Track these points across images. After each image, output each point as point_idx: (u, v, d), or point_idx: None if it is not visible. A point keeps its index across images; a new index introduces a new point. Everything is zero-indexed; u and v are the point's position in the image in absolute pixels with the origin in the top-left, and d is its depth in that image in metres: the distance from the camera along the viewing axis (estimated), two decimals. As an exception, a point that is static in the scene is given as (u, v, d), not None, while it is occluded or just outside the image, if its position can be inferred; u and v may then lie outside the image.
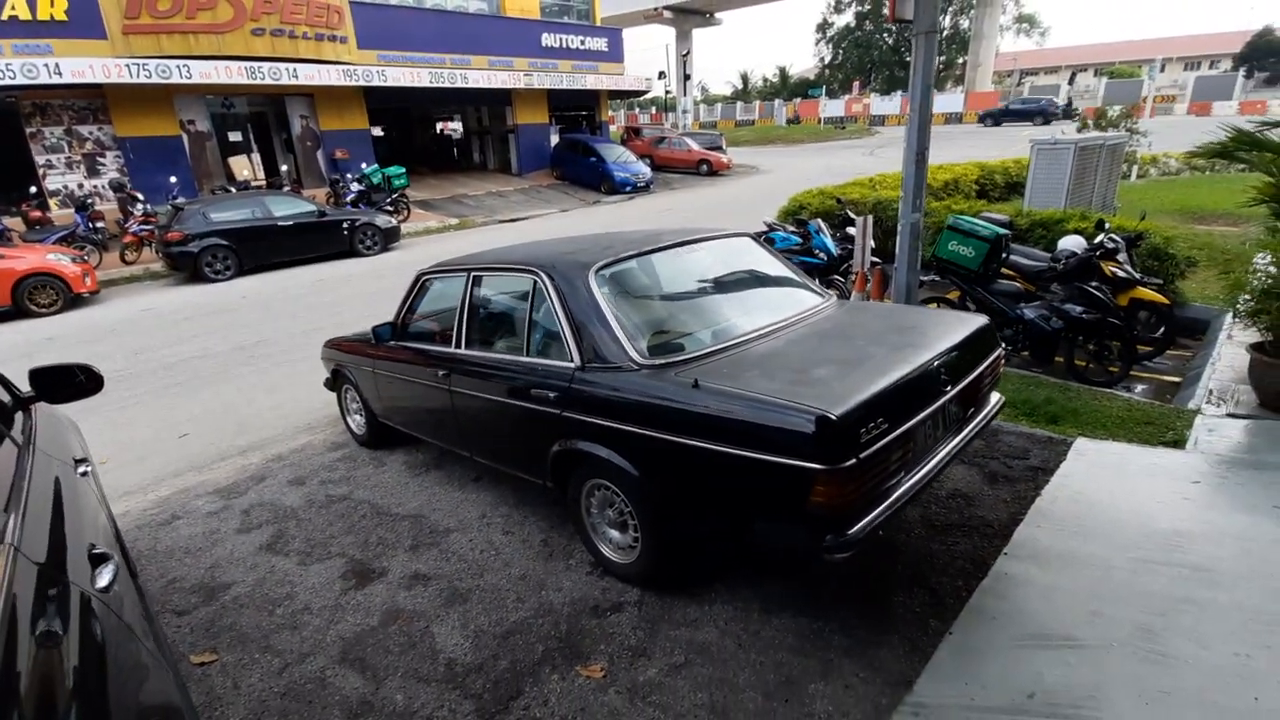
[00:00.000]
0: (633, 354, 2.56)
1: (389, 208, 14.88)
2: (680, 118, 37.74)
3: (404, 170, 16.10)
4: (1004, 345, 3.46)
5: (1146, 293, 5.24)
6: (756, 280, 3.34)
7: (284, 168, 17.68)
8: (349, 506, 3.83)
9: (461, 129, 25.82)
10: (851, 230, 6.78)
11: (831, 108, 43.40)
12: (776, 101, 48.86)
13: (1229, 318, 5.74)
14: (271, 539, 3.57)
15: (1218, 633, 2.15)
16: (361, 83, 17.16)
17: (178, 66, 14.13)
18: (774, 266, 3.43)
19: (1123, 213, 7.83)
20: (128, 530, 3.68)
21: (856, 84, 50.31)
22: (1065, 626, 2.27)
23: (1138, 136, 12.96)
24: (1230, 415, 3.80)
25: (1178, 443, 3.64)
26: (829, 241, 6.77)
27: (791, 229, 7.52)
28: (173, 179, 14.61)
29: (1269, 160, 5.05)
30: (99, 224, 12.88)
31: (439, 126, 27.08)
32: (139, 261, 12.43)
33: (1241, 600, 2.28)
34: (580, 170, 21.00)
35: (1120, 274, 5.23)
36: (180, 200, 12.49)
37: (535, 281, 2.96)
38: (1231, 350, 4.84)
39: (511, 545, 3.27)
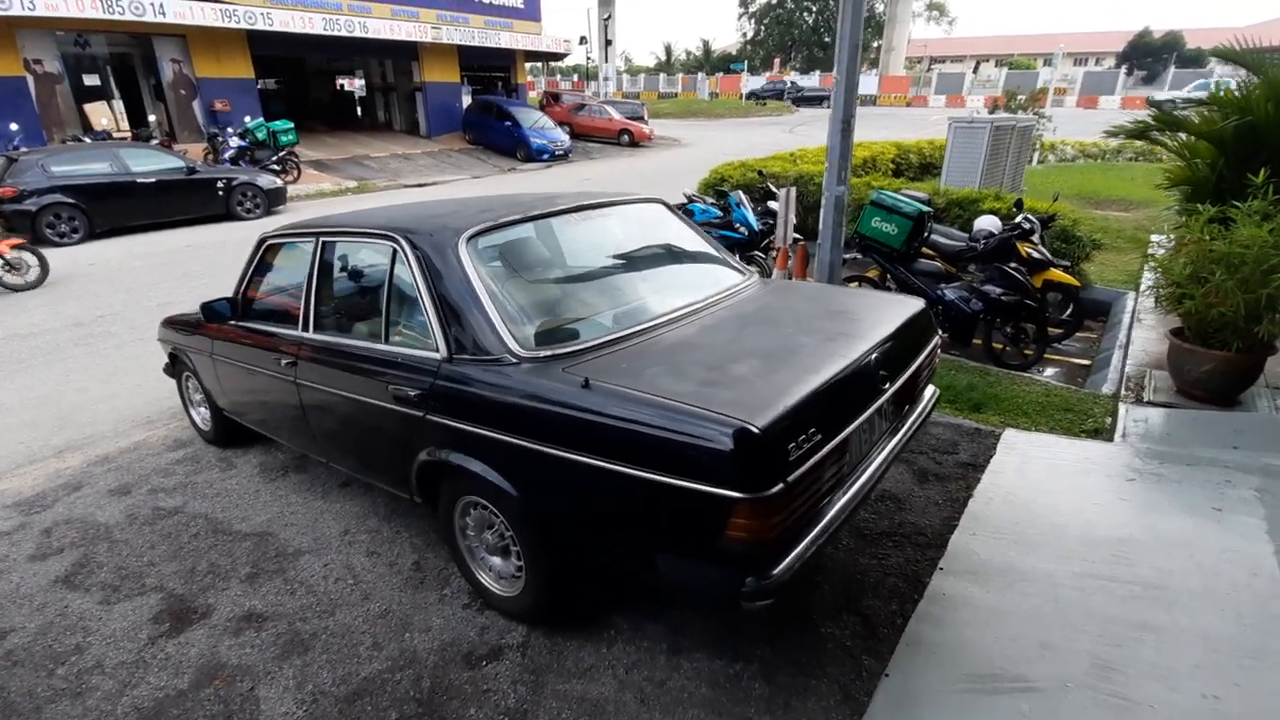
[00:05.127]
0: (511, 343, 2.04)
1: (274, 167, 13.43)
2: (602, 85, 36.53)
3: (292, 126, 14.54)
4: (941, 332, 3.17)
5: (1058, 274, 5.17)
6: (669, 255, 2.87)
7: (153, 118, 15.67)
8: (179, 523, 3.14)
9: (364, 85, 23.87)
10: (773, 204, 6.44)
11: (753, 84, 43.39)
12: (700, 75, 48.38)
13: (1131, 299, 5.82)
14: (72, 568, 2.85)
15: (1181, 668, 1.90)
16: (243, 25, 15.34)
17: (17, -6, 12.09)
18: (689, 239, 2.97)
19: (1029, 195, 7.91)
20: None
21: (777, 61, 50.61)
22: (1014, 663, 1.97)
23: (1044, 121, 13.38)
24: (1150, 403, 3.70)
25: (1098, 430, 3.51)
26: (750, 215, 6.40)
27: (712, 201, 7.15)
28: (14, 126, 12.61)
29: (1182, 145, 5.06)
30: (-88, 175, 10.86)
31: (339, 82, 24.91)
32: (-36, 220, 10.59)
33: (1201, 625, 2.05)
34: (494, 135, 19.81)
35: (1036, 255, 5.13)
36: (20, 150, 10.69)
37: (395, 250, 2.37)
38: (1142, 334, 4.82)
39: (376, 570, 2.71)
